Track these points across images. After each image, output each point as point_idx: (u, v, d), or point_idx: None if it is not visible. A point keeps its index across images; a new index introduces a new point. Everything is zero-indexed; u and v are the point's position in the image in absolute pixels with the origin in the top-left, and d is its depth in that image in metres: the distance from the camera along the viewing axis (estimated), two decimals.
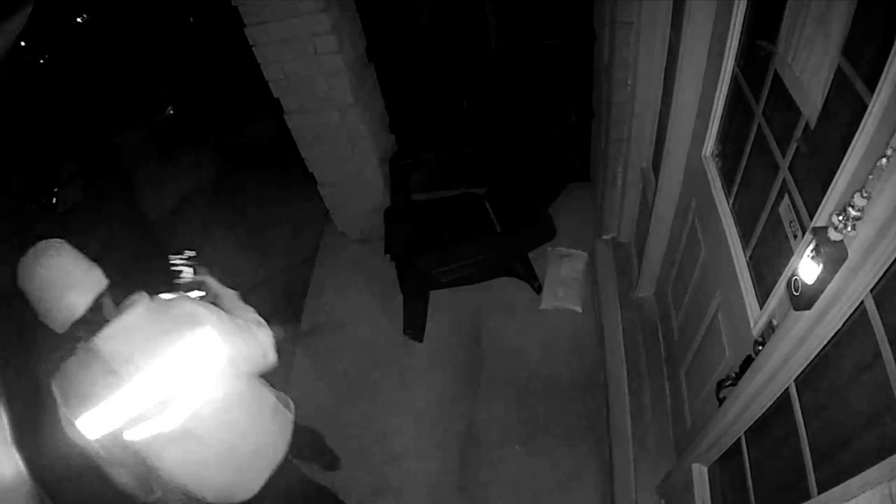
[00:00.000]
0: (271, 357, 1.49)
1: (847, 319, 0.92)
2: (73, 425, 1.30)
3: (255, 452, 1.55)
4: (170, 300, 1.38)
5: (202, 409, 1.39)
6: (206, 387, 1.38)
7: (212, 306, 1.41)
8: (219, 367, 1.37)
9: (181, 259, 1.49)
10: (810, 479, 1.06)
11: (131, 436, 1.34)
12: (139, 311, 1.32)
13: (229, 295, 1.53)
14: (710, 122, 1.64)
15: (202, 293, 1.48)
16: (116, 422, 1.31)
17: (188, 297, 1.43)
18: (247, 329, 1.44)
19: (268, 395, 1.60)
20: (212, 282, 1.53)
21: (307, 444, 2.11)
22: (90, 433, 1.30)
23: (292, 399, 1.74)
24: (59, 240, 1.30)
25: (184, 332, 1.32)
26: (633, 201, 2.59)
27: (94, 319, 1.28)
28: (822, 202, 1.03)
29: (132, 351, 1.28)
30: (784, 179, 1.26)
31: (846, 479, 0.86)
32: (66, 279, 1.24)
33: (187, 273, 1.49)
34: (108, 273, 1.32)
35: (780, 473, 1.25)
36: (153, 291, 1.39)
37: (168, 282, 1.44)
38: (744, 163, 1.50)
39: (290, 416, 1.67)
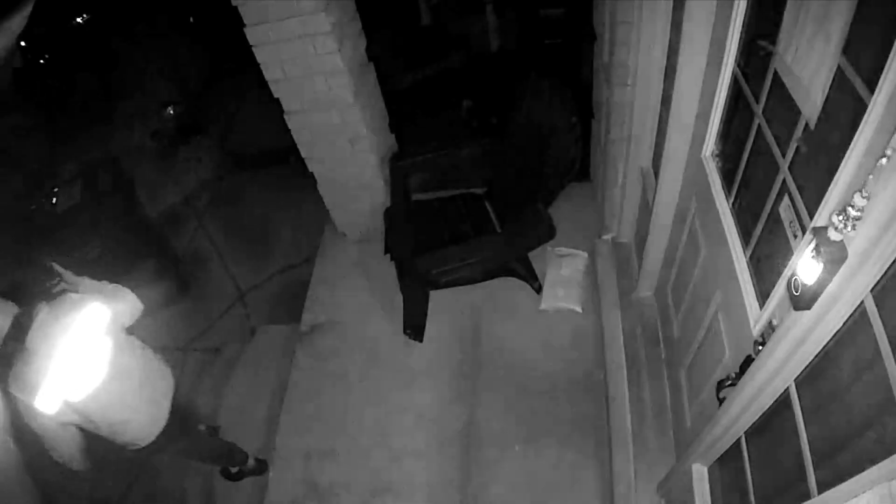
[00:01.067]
0: (139, 305, 1.95)
1: (847, 319, 0.92)
2: (35, 410, 1.64)
3: (151, 392, 1.97)
4: (59, 298, 1.81)
5: (112, 362, 1.81)
6: (107, 341, 1.82)
7: (90, 288, 1.88)
8: (107, 324, 1.82)
9: (48, 274, 1.87)
10: (810, 479, 1.06)
11: (76, 396, 1.71)
12: (45, 310, 1.73)
13: (93, 283, 1.93)
14: (710, 122, 1.64)
15: (76, 288, 1.87)
16: (61, 389, 1.68)
17: (69, 291, 1.86)
18: (113, 293, 1.91)
19: (146, 349, 2.03)
20: (82, 282, 1.89)
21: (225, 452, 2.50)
22: (49, 408, 1.65)
23: (292, 399, 1.78)
24: None
25: (80, 309, 1.76)
26: (633, 201, 2.59)
27: (17, 335, 1.67)
28: (822, 202, 1.02)
29: (53, 335, 1.70)
30: (784, 179, 1.26)
31: (846, 479, 0.86)
32: None
33: (59, 279, 1.88)
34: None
35: (780, 473, 1.25)
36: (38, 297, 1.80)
37: (47, 292, 1.82)
38: (744, 163, 1.50)
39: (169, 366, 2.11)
